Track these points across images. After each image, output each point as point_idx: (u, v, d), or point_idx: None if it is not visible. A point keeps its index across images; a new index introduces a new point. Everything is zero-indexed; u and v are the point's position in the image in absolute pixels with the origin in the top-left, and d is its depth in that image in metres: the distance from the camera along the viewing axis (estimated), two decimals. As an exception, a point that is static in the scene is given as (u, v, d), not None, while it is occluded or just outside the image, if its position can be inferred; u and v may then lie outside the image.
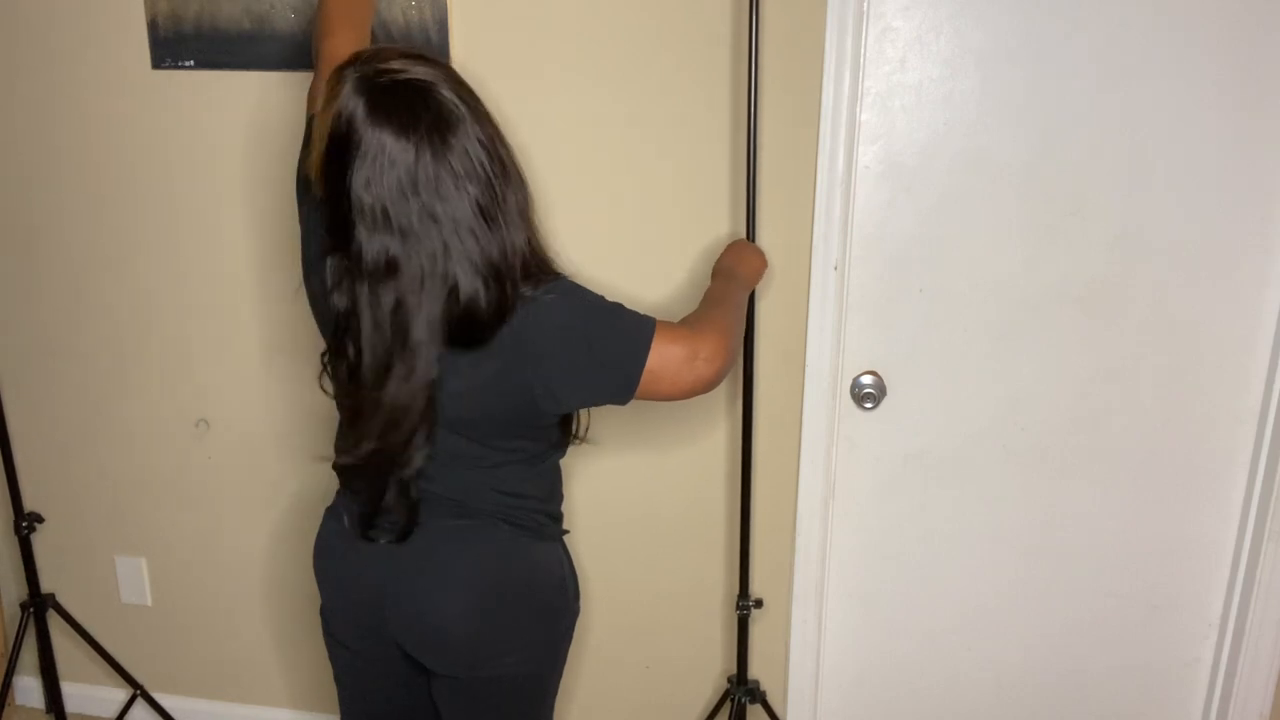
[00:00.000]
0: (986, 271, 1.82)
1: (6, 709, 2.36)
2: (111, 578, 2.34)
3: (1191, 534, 1.92)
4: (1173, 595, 1.96)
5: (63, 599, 2.33)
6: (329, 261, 1.32)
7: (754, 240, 1.78)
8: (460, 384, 1.33)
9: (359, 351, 1.31)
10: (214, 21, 1.91)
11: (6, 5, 1.99)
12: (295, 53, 1.89)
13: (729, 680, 2.04)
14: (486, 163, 1.26)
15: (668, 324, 1.39)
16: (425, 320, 1.27)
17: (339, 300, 1.31)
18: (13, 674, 2.30)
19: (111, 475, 2.27)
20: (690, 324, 1.44)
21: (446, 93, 1.25)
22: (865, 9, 1.72)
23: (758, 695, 2.03)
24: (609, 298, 1.38)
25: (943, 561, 2.00)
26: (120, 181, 2.06)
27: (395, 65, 1.25)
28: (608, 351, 1.35)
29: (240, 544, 2.25)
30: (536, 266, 1.34)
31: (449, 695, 1.52)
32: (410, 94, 1.24)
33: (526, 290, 1.31)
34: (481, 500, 1.44)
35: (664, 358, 1.36)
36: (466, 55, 1.83)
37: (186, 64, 1.94)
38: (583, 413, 1.50)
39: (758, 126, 1.71)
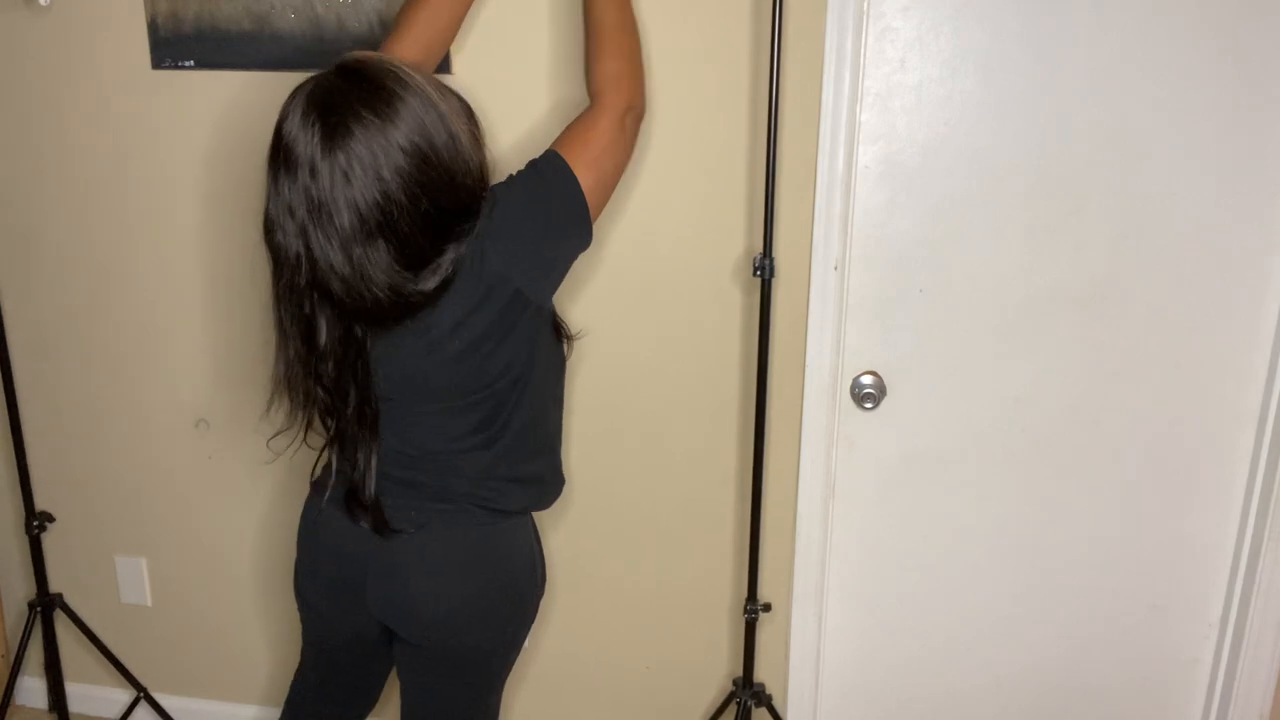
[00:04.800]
0: (987, 271, 1.82)
1: (10, 709, 2.37)
2: (112, 578, 2.35)
3: (1191, 534, 1.92)
4: (1173, 595, 1.96)
5: (68, 599, 2.33)
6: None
7: (771, 244, 1.77)
8: (455, 338, 1.40)
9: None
10: (214, 21, 1.91)
11: (6, 5, 1.99)
12: (295, 53, 1.89)
13: (734, 683, 2.04)
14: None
15: (570, 136, 1.47)
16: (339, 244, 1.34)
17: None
18: (18, 674, 2.31)
19: (112, 475, 2.27)
20: (596, 96, 1.51)
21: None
22: (865, 9, 1.72)
23: (764, 699, 2.03)
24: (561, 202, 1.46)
25: (943, 561, 2.00)
26: (121, 182, 2.06)
27: (344, 62, 1.33)
28: (555, 215, 1.43)
29: (241, 544, 2.26)
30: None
31: (412, 661, 1.61)
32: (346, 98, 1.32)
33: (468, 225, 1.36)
34: (456, 485, 1.50)
35: (596, 164, 1.46)
36: (467, 53, 1.83)
37: (186, 64, 1.94)
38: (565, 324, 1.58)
39: (778, 130, 1.71)
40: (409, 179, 1.28)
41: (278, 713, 2.36)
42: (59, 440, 2.27)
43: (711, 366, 1.93)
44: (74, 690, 2.42)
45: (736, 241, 1.85)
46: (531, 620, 1.64)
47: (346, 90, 1.28)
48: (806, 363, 1.89)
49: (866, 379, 1.91)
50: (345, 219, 1.27)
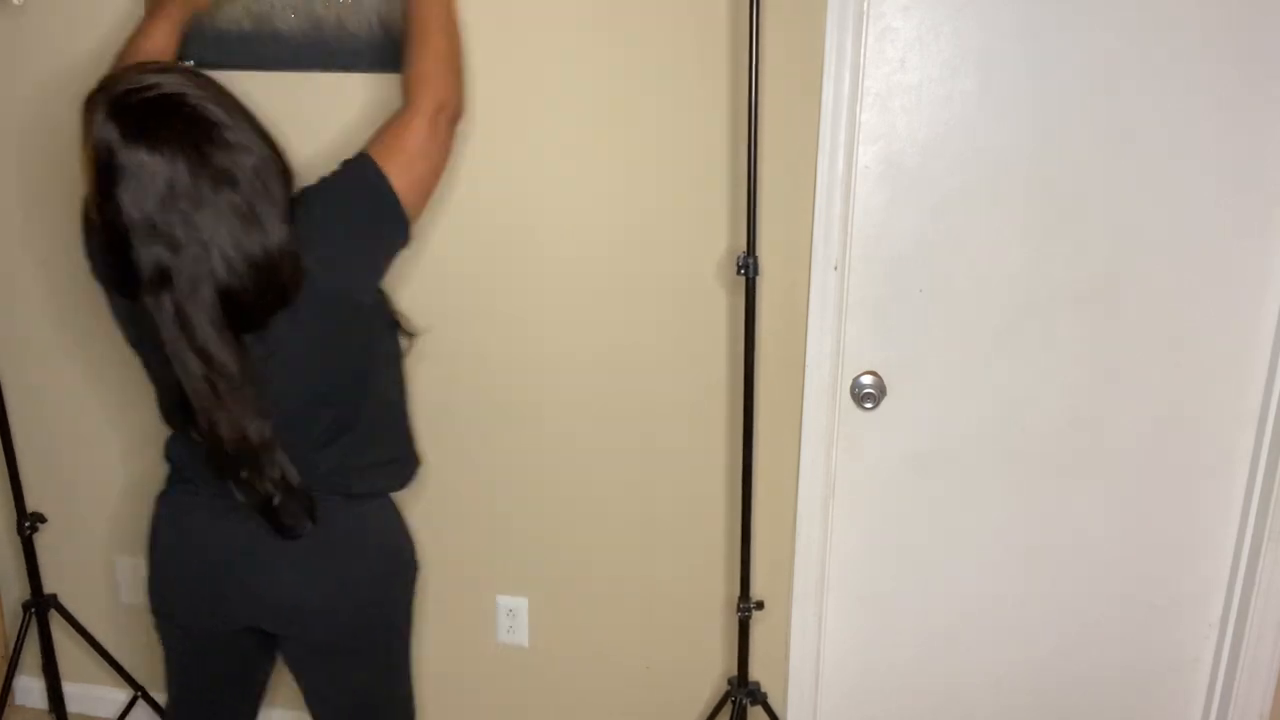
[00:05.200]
0: (986, 271, 1.82)
1: (7, 709, 2.36)
2: (111, 578, 2.34)
3: (1191, 534, 1.92)
4: (1173, 595, 1.96)
5: (63, 599, 2.32)
6: (119, 302, 1.40)
7: (754, 243, 1.77)
8: (285, 347, 1.38)
9: (166, 362, 1.35)
10: (214, 21, 1.90)
11: (6, 5, 1.99)
12: (295, 53, 1.89)
13: (729, 682, 2.04)
14: (245, 163, 1.31)
15: (383, 137, 1.46)
16: (207, 321, 1.31)
17: (136, 331, 1.39)
18: (14, 674, 2.31)
19: (111, 476, 2.27)
20: (409, 97, 1.50)
21: (196, 101, 1.30)
22: (865, 9, 1.72)
23: (759, 697, 2.03)
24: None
25: (943, 562, 2.00)
26: (120, 181, 2.05)
27: (143, 83, 1.28)
28: (368, 216, 1.43)
29: (240, 544, 2.25)
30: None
31: (299, 661, 1.60)
32: (161, 110, 1.28)
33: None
34: (311, 479, 1.48)
35: (410, 166, 1.45)
36: (466, 51, 1.83)
37: (186, 64, 1.94)
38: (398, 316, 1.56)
39: (758, 126, 1.71)
40: (254, 170, 1.31)
41: (274, 712, 2.37)
42: (59, 441, 2.27)
43: (704, 366, 1.93)
44: (73, 690, 2.42)
45: (726, 241, 1.85)
46: (409, 599, 1.64)
47: (166, 113, 1.28)
48: (806, 363, 1.89)
49: (866, 379, 1.91)
50: (228, 219, 1.30)
